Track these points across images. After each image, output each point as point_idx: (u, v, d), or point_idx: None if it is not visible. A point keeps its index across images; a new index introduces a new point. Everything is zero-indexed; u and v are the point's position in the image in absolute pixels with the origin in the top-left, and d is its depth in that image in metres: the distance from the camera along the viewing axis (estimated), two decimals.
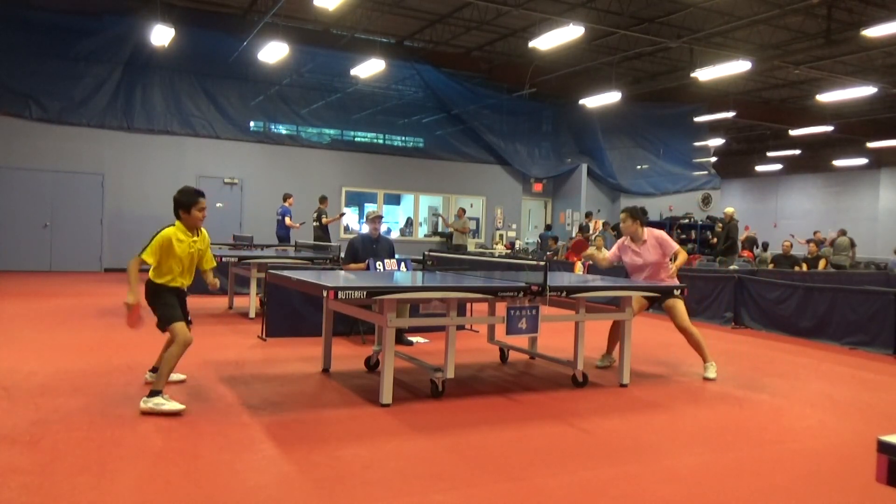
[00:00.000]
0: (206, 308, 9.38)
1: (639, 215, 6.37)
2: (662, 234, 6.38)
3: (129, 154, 15.30)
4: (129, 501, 3.09)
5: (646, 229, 6.32)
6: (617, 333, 6.27)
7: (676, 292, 5.96)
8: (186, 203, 4.75)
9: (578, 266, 12.71)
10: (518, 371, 6.30)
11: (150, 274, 4.75)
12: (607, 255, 6.63)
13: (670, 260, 6.37)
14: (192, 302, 5.29)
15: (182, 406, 4.46)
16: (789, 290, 8.97)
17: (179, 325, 4.62)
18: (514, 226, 20.27)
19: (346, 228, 18.54)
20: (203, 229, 4.97)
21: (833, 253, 16.62)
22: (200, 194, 4.84)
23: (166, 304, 4.68)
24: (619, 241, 6.53)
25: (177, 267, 4.73)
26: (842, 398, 5.63)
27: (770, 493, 3.49)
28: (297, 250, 11.35)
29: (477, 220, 20.02)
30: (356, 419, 4.50)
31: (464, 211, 17.23)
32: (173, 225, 4.78)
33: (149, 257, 4.61)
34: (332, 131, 18.01)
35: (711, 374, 6.14)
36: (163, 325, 4.69)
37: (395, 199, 21.55)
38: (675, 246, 6.35)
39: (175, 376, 5.16)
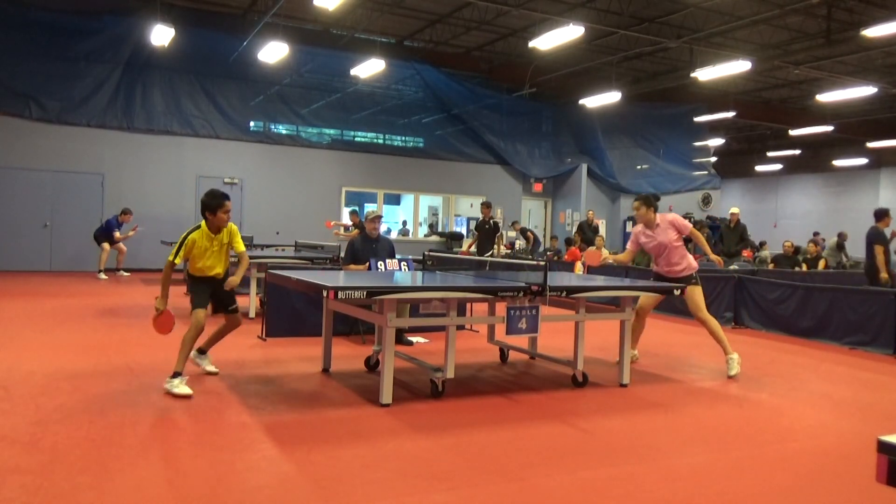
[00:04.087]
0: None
1: (652, 202, 6.48)
2: (675, 216, 6.55)
3: (129, 154, 15.29)
4: (129, 501, 3.09)
5: (658, 215, 6.46)
6: (640, 328, 6.60)
7: (676, 292, 5.95)
8: (213, 206, 5.15)
9: (578, 266, 12.72)
10: (518, 371, 6.30)
11: (188, 266, 5.37)
12: (620, 256, 6.81)
13: (685, 241, 6.51)
14: None
15: (189, 391, 4.86)
16: (789, 290, 8.96)
17: (198, 312, 5.12)
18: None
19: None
20: (230, 222, 5.38)
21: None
22: (226, 197, 5.23)
23: (196, 293, 5.28)
24: (634, 230, 6.60)
25: (205, 262, 5.24)
26: (842, 398, 5.63)
27: (770, 493, 3.49)
28: (297, 250, 11.35)
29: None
30: (356, 419, 4.50)
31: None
32: (198, 227, 5.21)
33: (175, 258, 5.11)
34: (332, 131, 17.99)
35: (734, 369, 6.16)
36: (192, 308, 5.24)
37: (395, 199, 21.54)
38: (689, 226, 6.48)
39: (210, 368, 5.61)
